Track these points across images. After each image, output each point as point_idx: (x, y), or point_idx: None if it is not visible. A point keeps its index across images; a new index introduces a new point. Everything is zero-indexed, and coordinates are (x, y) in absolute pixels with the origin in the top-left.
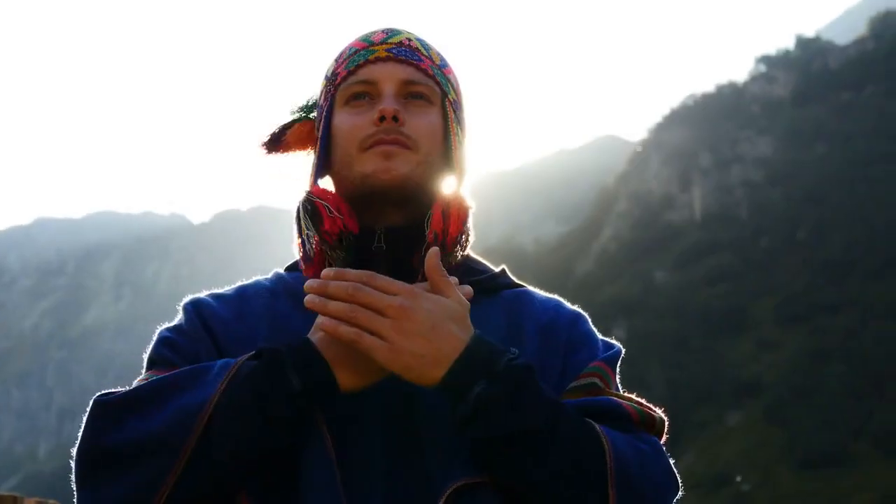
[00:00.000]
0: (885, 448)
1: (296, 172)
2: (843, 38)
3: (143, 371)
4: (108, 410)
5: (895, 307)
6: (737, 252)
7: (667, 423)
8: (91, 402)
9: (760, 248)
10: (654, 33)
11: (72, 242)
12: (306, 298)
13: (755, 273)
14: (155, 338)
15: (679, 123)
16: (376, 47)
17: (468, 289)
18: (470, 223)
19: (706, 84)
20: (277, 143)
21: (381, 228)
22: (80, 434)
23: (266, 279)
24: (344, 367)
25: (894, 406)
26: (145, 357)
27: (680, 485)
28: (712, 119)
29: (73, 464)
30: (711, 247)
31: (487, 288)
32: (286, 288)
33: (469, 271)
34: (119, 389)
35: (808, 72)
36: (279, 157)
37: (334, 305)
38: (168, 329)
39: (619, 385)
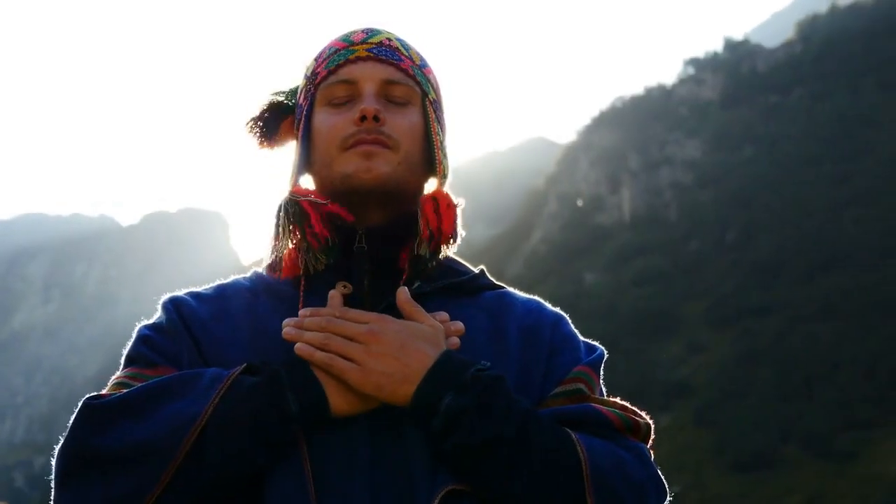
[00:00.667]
0: (814, 450)
1: (214, 173)
2: (771, 41)
3: (121, 368)
4: (98, 413)
5: (824, 310)
6: (666, 254)
7: (652, 427)
8: (80, 404)
9: (690, 251)
10: (583, 35)
11: (0, 245)
12: (284, 331)
13: (685, 275)
14: (134, 335)
15: (608, 125)
16: (356, 47)
17: (459, 325)
18: (460, 222)
19: (635, 86)
20: (274, 133)
21: (362, 229)
22: (65, 435)
23: (245, 278)
24: (337, 391)
25: (823, 408)
26: (123, 353)
27: (666, 490)
28: (641, 121)
29: (53, 464)
30: (641, 249)
31: (468, 289)
32: (266, 288)
33: (450, 272)
34: (107, 393)
35: (736, 74)
36: (270, 151)
37: (309, 335)
38: (147, 326)
39: (604, 388)
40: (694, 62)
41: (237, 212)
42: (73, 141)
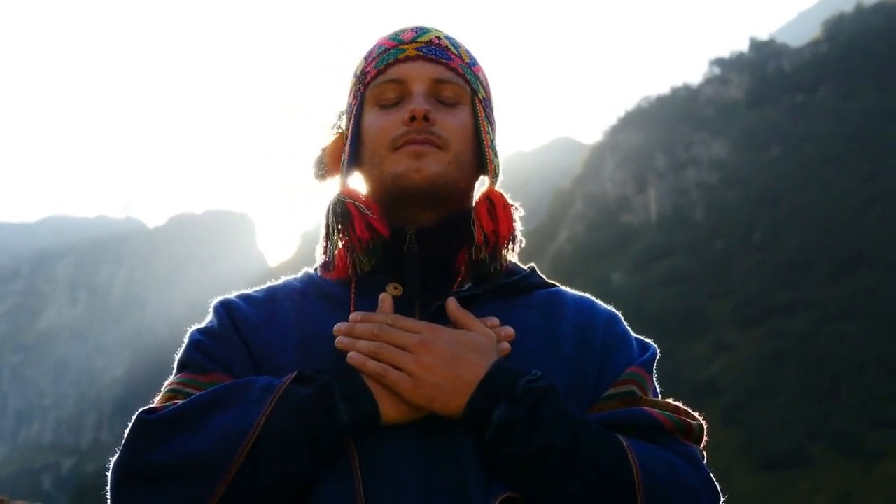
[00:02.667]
0: (841, 449)
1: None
2: (796, 40)
3: (174, 374)
4: (151, 428)
5: (851, 309)
6: (692, 254)
7: (705, 428)
8: (133, 419)
9: (716, 250)
10: (608, 35)
11: (26, 247)
12: (336, 340)
13: (711, 275)
14: (186, 339)
15: (634, 125)
16: (406, 46)
17: (510, 330)
18: (518, 224)
19: (661, 86)
20: (323, 167)
21: (412, 229)
22: (120, 449)
23: (296, 279)
24: (389, 401)
25: (850, 407)
26: (176, 359)
27: (719, 493)
28: (667, 121)
29: (109, 477)
30: (667, 249)
31: (520, 289)
32: (316, 289)
33: (501, 272)
34: (160, 403)
35: (762, 74)
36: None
37: (361, 344)
38: (199, 331)
39: (657, 387)
40: (720, 62)
41: (263, 213)
42: (98, 142)
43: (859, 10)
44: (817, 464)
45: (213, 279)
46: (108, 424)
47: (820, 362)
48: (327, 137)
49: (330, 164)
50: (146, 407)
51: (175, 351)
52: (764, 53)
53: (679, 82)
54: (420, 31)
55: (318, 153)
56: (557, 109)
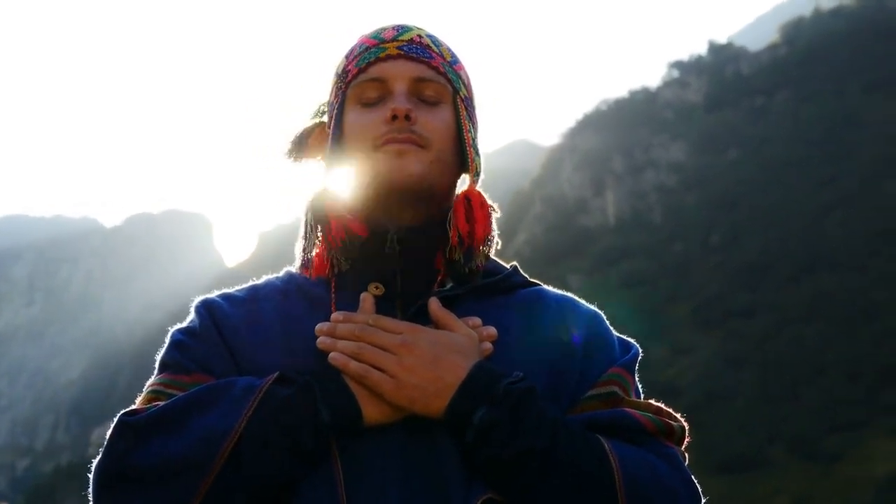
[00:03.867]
0: (800, 451)
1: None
2: (755, 44)
3: (156, 374)
4: (133, 430)
5: (810, 312)
6: (651, 257)
7: (686, 429)
8: (115, 420)
9: (675, 253)
10: (567, 38)
11: None
12: (318, 341)
13: (670, 278)
14: (168, 339)
15: (592, 128)
16: (387, 44)
17: (492, 330)
18: (495, 225)
19: (619, 89)
20: (301, 148)
21: (393, 228)
22: (102, 451)
23: (278, 278)
24: (370, 402)
25: (809, 410)
26: (157, 358)
27: (700, 495)
28: (625, 124)
29: (91, 480)
30: (625, 251)
31: (502, 288)
32: (298, 288)
33: (485, 272)
34: (142, 405)
35: (720, 77)
36: (303, 165)
37: (343, 344)
38: (180, 331)
39: (640, 388)
40: (678, 65)
41: (220, 213)
42: (56, 142)
43: (817, 14)
44: (776, 466)
45: (170, 280)
46: (64, 425)
47: (779, 365)
48: (306, 123)
49: (308, 147)
50: (128, 408)
51: (132, 352)
52: (722, 57)
53: (637, 85)
54: (401, 29)
55: (295, 135)
56: (516, 112)
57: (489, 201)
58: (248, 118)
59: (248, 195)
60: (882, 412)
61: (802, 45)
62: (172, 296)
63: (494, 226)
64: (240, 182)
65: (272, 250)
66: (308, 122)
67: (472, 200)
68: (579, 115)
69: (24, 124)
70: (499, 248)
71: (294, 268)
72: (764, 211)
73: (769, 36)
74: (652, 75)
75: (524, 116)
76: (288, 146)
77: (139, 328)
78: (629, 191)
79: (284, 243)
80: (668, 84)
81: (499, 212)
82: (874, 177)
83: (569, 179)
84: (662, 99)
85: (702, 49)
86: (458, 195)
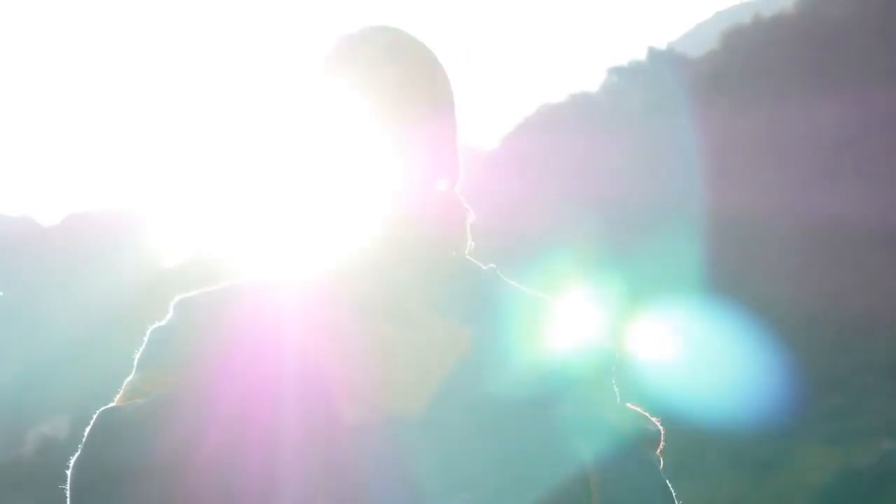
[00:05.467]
0: (734, 458)
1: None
2: (695, 50)
3: (134, 372)
4: (112, 426)
5: (747, 318)
6: (584, 262)
7: (662, 433)
8: (94, 417)
9: (613, 260)
10: (506, 41)
11: None
12: (297, 340)
13: (608, 284)
14: (146, 337)
15: (531, 132)
16: (366, 46)
17: (469, 331)
18: (468, 227)
19: (558, 94)
20: None
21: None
22: (80, 448)
23: (258, 278)
24: (349, 402)
25: (743, 416)
26: (136, 356)
27: (673, 498)
28: (564, 129)
29: (69, 477)
30: (562, 256)
31: (481, 289)
32: (278, 287)
33: (462, 272)
34: (121, 403)
35: (660, 84)
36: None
37: (324, 345)
38: (159, 329)
39: (616, 390)
40: (618, 70)
41: (160, 212)
42: None
43: (757, 22)
44: (709, 473)
45: (108, 279)
46: None
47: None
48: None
49: None
50: (107, 406)
51: (69, 351)
52: (662, 63)
53: (577, 90)
54: (381, 31)
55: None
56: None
57: (464, 205)
58: (192, 116)
59: (186, 194)
60: (818, 420)
61: (743, 54)
62: (111, 295)
63: (467, 227)
64: (178, 180)
65: (210, 251)
66: None
67: (449, 201)
68: (519, 119)
69: None
70: (472, 248)
71: (273, 268)
72: (702, 218)
73: (709, 43)
74: (591, 80)
75: (463, 120)
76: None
77: (76, 328)
78: (568, 196)
79: (223, 244)
80: (607, 89)
81: (473, 214)
82: (813, 186)
83: (507, 184)
84: (602, 104)
85: (641, 55)
86: (436, 196)
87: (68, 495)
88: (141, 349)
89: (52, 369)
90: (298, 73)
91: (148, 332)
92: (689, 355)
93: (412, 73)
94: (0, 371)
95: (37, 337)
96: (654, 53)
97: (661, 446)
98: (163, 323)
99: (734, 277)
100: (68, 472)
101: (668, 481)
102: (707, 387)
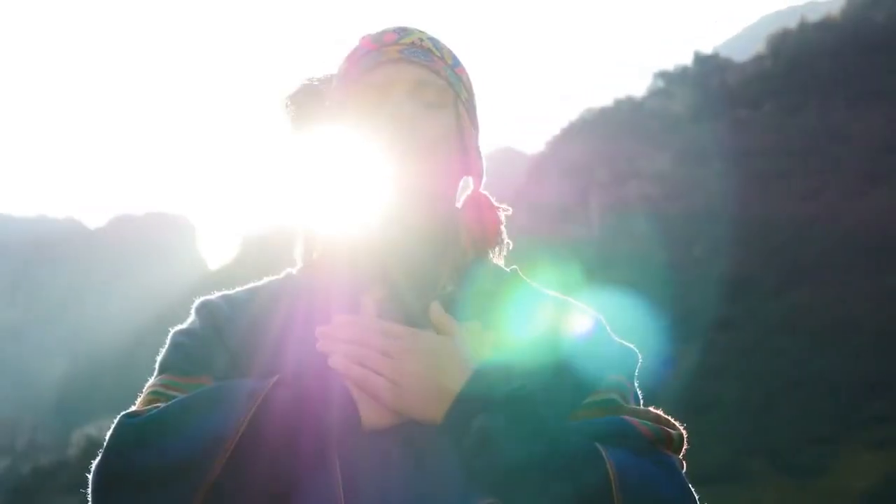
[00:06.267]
0: (778, 464)
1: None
2: (741, 55)
3: (155, 375)
4: (133, 431)
5: (790, 324)
6: (634, 267)
7: (685, 437)
8: (116, 421)
9: (657, 264)
10: (552, 46)
11: None
12: (318, 343)
13: (651, 288)
14: (168, 341)
15: (577, 137)
16: (388, 48)
17: (493, 334)
18: (503, 227)
19: (605, 98)
20: (307, 116)
21: (396, 232)
22: (102, 452)
23: (278, 280)
24: (370, 406)
25: (787, 423)
26: (158, 360)
27: (697, 503)
28: (610, 133)
29: (90, 481)
30: (608, 261)
31: (505, 292)
32: (298, 290)
33: (486, 276)
34: (142, 407)
35: (706, 88)
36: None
37: (343, 348)
38: (180, 332)
39: (639, 394)
40: (664, 75)
41: (203, 215)
42: (39, 140)
43: (803, 27)
44: (754, 479)
45: (153, 282)
46: (44, 426)
47: (758, 377)
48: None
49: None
50: (128, 410)
51: (115, 354)
52: (708, 67)
53: (623, 95)
54: (402, 32)
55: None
56: (500, 119)
57: (497, 203)
58: (235, 121)
59: (231, 197)
60: (861, 426)
61: (788, 57)
62: (155, 298)
63: (503, 227)
64: (223, 184)
65: (255, 253)
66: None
67: (481, 202)
68: (564, 124)
69: (7, 123)
70: (510, 248)
71: (295, 270)
72: (747, 223)
73: (755, 47)
74: (638, 85)
75: (508, 124)
76: (291, 112)
77: (122, 330)
78: (613, 201)
79: (268, 246)
80: (653, 94)
81: (505, 213)
82: (857, 190)
83: (553, 188)
84: (647, 109)
85: (688, 60)
86: (466, 198)
87: (90, 500)
88: (163, 352)
89: (98, 371)
90: (326, 77)
91: (169, 335)
92: (731, 360)
93: (435, 73)
94: (46, 373)
95: (82, 339)
96: (699, 57)
97: (683, 449)
98: (184, 326)
99: (779, 282)
100: (89, 477)
101: (690, 485)
102: (750, 392)
